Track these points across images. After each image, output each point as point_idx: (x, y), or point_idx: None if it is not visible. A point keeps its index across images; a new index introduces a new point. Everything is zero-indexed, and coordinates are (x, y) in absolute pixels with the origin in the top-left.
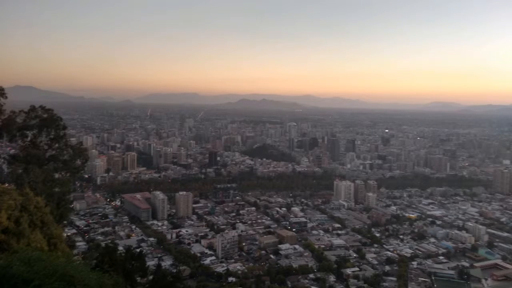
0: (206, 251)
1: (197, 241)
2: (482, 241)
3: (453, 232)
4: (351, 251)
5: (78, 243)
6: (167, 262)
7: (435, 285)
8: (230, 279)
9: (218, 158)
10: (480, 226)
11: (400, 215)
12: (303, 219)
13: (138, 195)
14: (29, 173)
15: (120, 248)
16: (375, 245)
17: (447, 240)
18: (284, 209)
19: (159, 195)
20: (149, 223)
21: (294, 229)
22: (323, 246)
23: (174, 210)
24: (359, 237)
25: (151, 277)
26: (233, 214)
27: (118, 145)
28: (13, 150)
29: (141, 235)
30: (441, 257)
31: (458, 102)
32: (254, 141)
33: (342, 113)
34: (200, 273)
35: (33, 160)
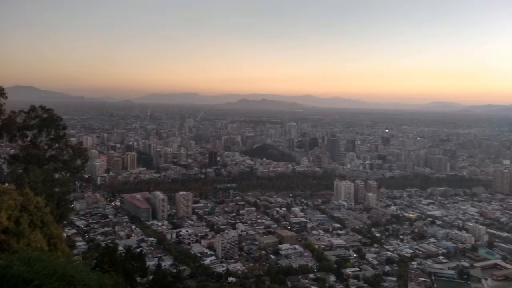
0: (206, 251)
1: (197, 241)
2: (482, 241)
3: (453, 232)
4: (351, 251)
5: (78, 243)
6: (167, 262)
7: (435, 285)
8: (230, 279)
9: (218, 158)
10: (480, 226)
11: (400, 215)
12: (303, 219)
13: (138, 195)
14: (29, 173)
15: (120, 248)
16: (375, 245)
17: (447, 240)
18: (284, 209)
19: (159, 195)
20: (149, 223)
21: (294, 229)
22: (323, 246)
23: (174, 210)
24: (359, 237)
25: (151, 277)
26: (233, 214)
27: (118, 145)
28: (13, 150)
29: (141, 235)
30: (441, 257)
31: (458, 102)
32: (254, 141)
33: (342, 113)
34: (200, 273)
35: (33, 160)
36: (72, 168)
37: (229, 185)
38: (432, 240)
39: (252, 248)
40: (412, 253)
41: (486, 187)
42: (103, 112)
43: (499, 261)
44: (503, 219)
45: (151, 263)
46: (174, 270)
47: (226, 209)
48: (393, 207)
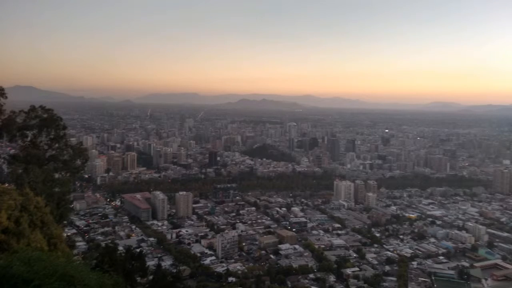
0: (206, 251)
1: (197, 241)
2: (482, 241)
3: (453, 232)
4: (351, 251)
5: (78, 243)
6: (167, 262)
7: (435, 285)
8: (230, 279)
9: (218, 158)
10: (480, 226)
11: (400, 215)
12: (303, 219)
13: (138, 195)
14: (29, 173)
15: (120, 248)
16: (375, 245)
17: (447, 240)
18: (284, 209)
19: (159, 195)
20: (149, 223)
21: (294, 229)
22: (323, 246)
23: (174, 210)
24: (359, 237)
25: (151, 277)
26: (233, 214)
27: (118, 145)
28: (13, 150)
29: (141, 235)
30: (441, 257)
31: (458, 102)
32: (254, 141)
33: (342, 113)
34: (200, 273)
35: (33, 160)
36: (72, 168)
37: (229, 185)
38: (432, 240)
39: (252, 248)
40: (412, 253)
41: (486, 187)
42: (103, 112)
43: (499, 261)
44: (503, 219)
45: (151, 263)
46: (174, 270)
47: (226, 209)
48: (393, 207)
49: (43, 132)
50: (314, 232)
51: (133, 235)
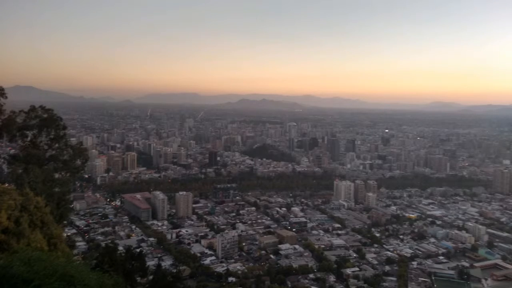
0: (206, 251)
1: (197, 241)
2: (482, 241)
3: (453, 232)
4: (351, 251)
5: (78, 243)
6: (167, 262)
7: (435, 285)
8: (230, 279)
9: (218, 158)
10: (480, 226)
11: (400, 215)
12: (303, 219)
13: (138, 195)
14: (29, 173)
15: (120, 248)
16: (375, 245)
17: (447, 240)
18: (284, 209)
19: (159, 195)
20: (149, 223)
21: (294, 229)
22: (323, 246)
23: (174, 210)
24: (359, 237)
25: (151, 277)
26: (233, 214)
27: (118, 145)
28: (13, 150)
29: (141, 235)
30: (441, 257)
31: (458, 102)
32: (254, 141)
33: (342, 113)
34: (200, 273)
35: (33, 160)
36: (72, 168)
37: (229, 185)
38: (432, 240)
39: (252, 248)
40: (412, 253)
41: (486, 187)
42: (103, 112)
43: (499, 261)
44: (503, 219)
45: (151, 263)
46: (174, 270)
47: (226, 209)
48: (393, 207)
49: (43, 132)
50: (314, 232)
51: (133, 235)
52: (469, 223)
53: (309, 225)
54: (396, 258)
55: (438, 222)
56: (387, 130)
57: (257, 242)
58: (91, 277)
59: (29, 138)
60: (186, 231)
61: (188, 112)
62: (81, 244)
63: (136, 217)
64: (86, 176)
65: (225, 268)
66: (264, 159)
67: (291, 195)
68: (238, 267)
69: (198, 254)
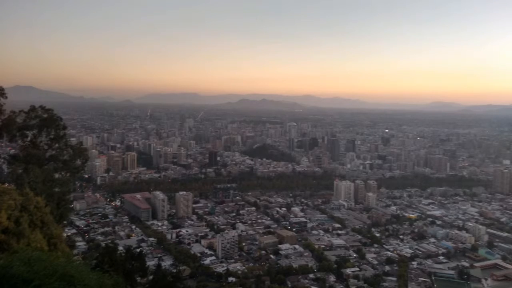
0: (206, 251)
1: (197, 241)
2: (482, 241)
3: (453, 232)
4: (351, 251)
5: (78, 243)
6: (167, 262)
7: (435, 285)
8: (230, 279)
9: (218, 158)
10: (480, 226)
11: (400, 215)
12: (303, 219)
13: (138, 195)
14: (29, 173)
15: (120, 248)
16: (375, 245)
17: (447, 240)
18: (284, 209)
19: (159, 195)
20: (149, 223)
21: (294, 229)
22: (323, 246)
23: (174, 210)
24: (359, 237)
25: (151, 277)
26: (233, 214)
27: (118, 145)
28: (13, 150)
29: (141, 235)
30: (441, 257)
31: (458, 102)
32: (254, 141)
33: (342, 113)
34: (200, 273)
35: (33, 160)
36: (72, 168)
37: (229, 185)
38: (432, 240)
39: (252, 248)
40: (412, 253)
41: (486, 187)
42: (103, 112)
43: (499, 261)
44: (503, 219)
45: (151, 263)
46: (174, 270)
47: (226, 209)
48: (393, 207)
49: (43, 132)
50: (314, 232)
51: (133, 235)
52: (469, 223)
53: (309, 225)
54: (396, 258)
55: (438, 222)
56: (387, 130)
57: (257, 242)
58: (91, 277)
59: (29, 138)
60: (186, 231)
61: (188, 112)
62: (81, 244)
63: (136, 217)
64: (86, 176)
65: (225, 268)
66: (264, 159)
67: (291, 195)
68: (238, 267)
69: (198, 254)
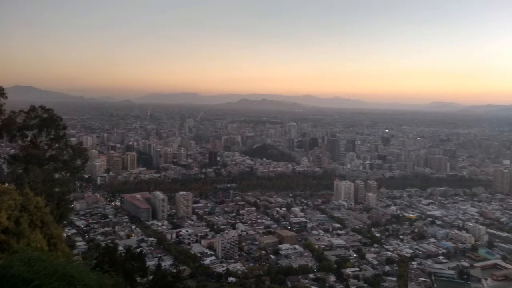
0: (206, 251)
1: (197, 241)
2: (482, 241)
3: (453, 232)
4: (351, 251)
5: (78, 243)
6: (167, 262)
7: (435, 285)
8: (230, 279)
9: (218, 158)
10: (480, 226)
11: (400, 215)
12: (303, 219)
13: (138, 195)
14: (29, 173)
15: (120, 248)
16: (375, 245)
17: (447, 240)
18: (284, 209)
19: (159, 195)
20: (149, 223)
21: (294, 229)
22: (323, 246)
23: (174, 210)
24: (359, 237)
25: (151, 277)
26: (233, 214)
27: (118, 145)
28: (13, 150)
29: (141, 235)
30: (441, 257)
31: (458, 102)
32: (254, 141)
33: (342, 113)
34: (200, 273)
35: (33, 160)
36: (72, 168)
37: (229, 185)
38: (432, 240)
39: (252, 248)
40: (412, 253)
41: (486, 187)
42: (103, 112)
43: (499, 261)
44: (503, 219)
45: (151, 263)
46: (174, 270)
47: (226, 209)
48: (393, 207)
49: (43, 132)
50: (314, 232)
51: (133, 235)
52: (469, 223)
53: (309, 225)
54: (396, 258)
55: (438, 222)
56: (387, 130)
57: (257, 242)
58: (91, 277)
59: (29, 138)
60: (186, 231)
61: (188, 112)
62: (81, 244)
63: (136, 217)
64: (86, 176)
65: (225, 268)
66: (264, 159)
67: (291, 195)
68: (238, 267)
69: (198, 254)
